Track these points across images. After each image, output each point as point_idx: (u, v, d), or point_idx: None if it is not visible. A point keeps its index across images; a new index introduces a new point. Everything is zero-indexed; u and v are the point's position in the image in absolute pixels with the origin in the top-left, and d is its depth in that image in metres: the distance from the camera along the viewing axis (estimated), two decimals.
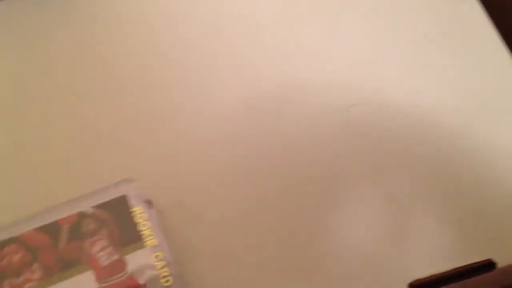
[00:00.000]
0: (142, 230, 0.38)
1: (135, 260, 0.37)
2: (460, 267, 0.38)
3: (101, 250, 0.37)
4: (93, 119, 0.44)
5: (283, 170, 0.42)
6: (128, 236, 0.37)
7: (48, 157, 0.43)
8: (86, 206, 0.39)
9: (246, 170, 0.42)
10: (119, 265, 0.36)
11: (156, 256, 0.37)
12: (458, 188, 0.41)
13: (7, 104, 0.45)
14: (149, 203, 0.39)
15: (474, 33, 0.47)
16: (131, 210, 0.39)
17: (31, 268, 0.36)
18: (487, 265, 0.38)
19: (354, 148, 0.42)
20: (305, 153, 0.42)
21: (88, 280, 0.36)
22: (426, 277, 0.37)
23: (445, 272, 0.38)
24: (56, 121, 0.44)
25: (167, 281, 0.36)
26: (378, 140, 0.43)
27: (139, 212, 0.38)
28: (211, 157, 0.43)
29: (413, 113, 0.44)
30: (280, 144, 0.43)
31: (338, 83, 0.45)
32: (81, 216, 0.38)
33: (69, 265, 0.36)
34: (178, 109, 0.44)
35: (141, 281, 0.36)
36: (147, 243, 0.37)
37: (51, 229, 0.38)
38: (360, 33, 0.48)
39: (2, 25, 0.47)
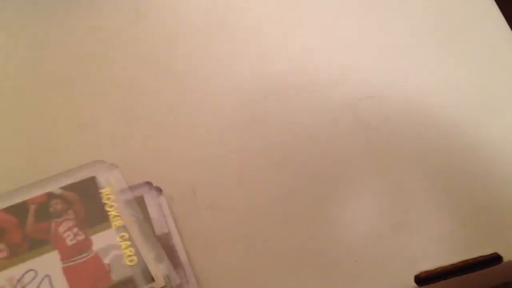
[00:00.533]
0: (109, 211, 0.38)
1: (100, 240, 0.37)
2: (466, 260, 0.38)
3: (67, 230, 0.37)
4: (103, 111, 0.44)
5: (294, 163, 0.42)
6: (95, 217, 0.38)
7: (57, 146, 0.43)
8: (55, 187, 0.39)
9: (259, 161, 0.42)
10: (85, 245, 0.37)
11: (122, 236, 0.37)
12: (465, 183, 0.41)
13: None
14: (158, 190, 0.40)
15: (488, 29, 0.47)
16: (100, 191, 0.39)
17: None
18: (494, 259, 0.38)
19: (360, 143, 0.42)
20: (313, 146, 0.42)
21: (53, 259, 0.36)
22: (433, 270, 0.37)
23: (452, 265, 0.38)
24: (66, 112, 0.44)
25: (131, 261, 0.36)
26: (384, 135, 0.43)
27: (107, 193, 0.39)
28: (224, 146, 0.42)
29: (418, 110, 0.44)
30: (292, 136, 0.43)
31: (347, 77, 0.45)
32: (49, 196, 0.38)
33: (36, 245, 0.37)
34: (190, 97, 0.44)
35: (106, 260, 0.36)
36: (113, 223, 0.37)
37: (19, 209, 0.38)
38: (363, 28, 0.47)
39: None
